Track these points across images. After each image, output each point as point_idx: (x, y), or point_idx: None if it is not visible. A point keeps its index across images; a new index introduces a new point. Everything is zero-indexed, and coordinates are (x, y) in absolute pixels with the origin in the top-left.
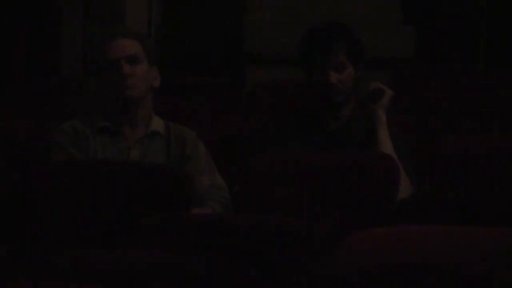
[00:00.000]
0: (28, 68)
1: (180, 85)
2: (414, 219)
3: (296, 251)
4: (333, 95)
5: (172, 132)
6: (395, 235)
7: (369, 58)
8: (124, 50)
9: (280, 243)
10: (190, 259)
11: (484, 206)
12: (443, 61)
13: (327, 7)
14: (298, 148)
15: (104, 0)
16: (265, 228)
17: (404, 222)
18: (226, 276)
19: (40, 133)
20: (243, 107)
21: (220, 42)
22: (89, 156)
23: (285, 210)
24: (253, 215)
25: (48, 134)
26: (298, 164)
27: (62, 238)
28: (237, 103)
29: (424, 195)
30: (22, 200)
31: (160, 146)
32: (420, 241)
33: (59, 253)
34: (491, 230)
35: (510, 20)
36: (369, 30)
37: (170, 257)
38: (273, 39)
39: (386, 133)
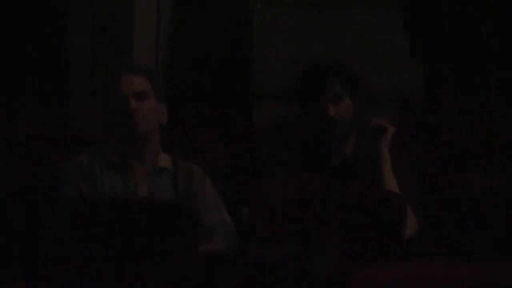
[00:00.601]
0: (35, 99)
1: (187, 117)
2: (418, 254)
3: (301, 284)
4: (333, 127)
5: (179, 168)
6: (398, 271)
7: (376, 92)
8: (132, 86)
9: (285, 280)
10: None
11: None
12: (453, 95)
13: (335, 42)
14: (305, 181)
15: (112, 33)
16: (271, 266)
17: (408, 258)
18: None
19: (49, 165)
20: (251, 140)
21: (227, 75)
22: (97, 191)
23: (292, 241)
24: (257, 254)
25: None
26: (304, 196)
27: (68, 273)
28: (244, 135)
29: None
30: (30, 235)
31: (168, 182)
32: (423, 277)
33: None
34: (491, 267)
35: None
36: (376, 65)
37: None
38: (280, 73)
39: (389, 169)
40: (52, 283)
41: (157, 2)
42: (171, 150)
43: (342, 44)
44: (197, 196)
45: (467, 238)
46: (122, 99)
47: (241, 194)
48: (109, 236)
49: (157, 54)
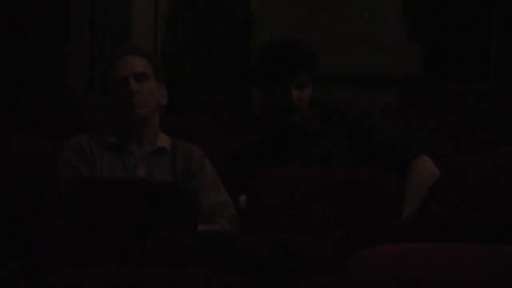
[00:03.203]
0: (36, 88)
1: (186, 102)
2: (420, 236)
3: (303, 268)
4: (293, 112)
5: (178, 149)
6: (399, 252)
7: (377, 76)
8: (133, 67)
9: (287, 260)
10: (197, 274)
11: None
12: (452, 79)
13: (333, 27)
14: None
15: (110, 20)
16: (274, 246)
17: (409, 239)
18: None
19: (50, 150)
20: (249, 125)
21: (226, 60)
22: (96, 173)
23: (291, 228)
24: (261, 234)
25: (57, 151)
26: (302, 181)
27: (69, 255)
28: (243, 120)
29: (430, 214)
30: (31, 217)
31: (166, 163)
32: (423, 258)
33: (66, 270)
34: (491, 247)
35: None
36: (375, 48)
37: (176, 273)
38: None
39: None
40: (51, 263)
41: None
42: (168, 134)
43: (341, 27)
44: (196, 177)
45: (469, 219)
46: (122, 80)
47: (238, 182)
48: (108, 217)
49: (155, 38)
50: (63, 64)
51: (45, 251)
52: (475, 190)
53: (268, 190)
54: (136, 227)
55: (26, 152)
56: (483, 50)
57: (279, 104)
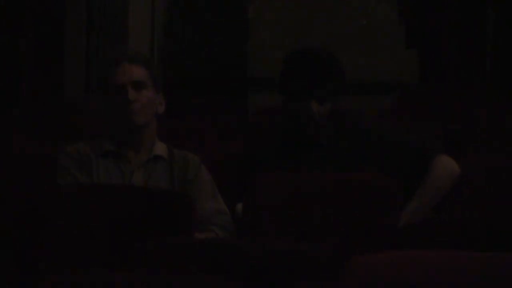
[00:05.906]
0: (32, 91)
1: (182, 107)
2: (416, 243)
3: (298, 274)
4: (310, 126)
5: (175, 157)
6: (394, 260)
7: (374, 82)
8: (131, 75)
9: (283, 266)
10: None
11: (484, 229)
12: (448, 83)
13: (329, 31)
14: (298, 170)
15: (107, 22)
16: (269, 252)
17: (405, 246)
18: None
19: (50, 151)
20: (246, 129)
21: (223, 65)
22: (93, 179)
23: (290, 231)
24: (256, 240)
25: (56, 152)
26: (299, 186)
27: (66, 260)
28: (240, 125)
29: (425, 220)
30: (31, 217)
31: (163, 170)
32: (419, 266)
33: (66, 270)
34: (488, 255)
35: None
36: (372, 55)
37: (172, 279)
38: (275, 63)
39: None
40: (51, 263)
41: None
42: (165, 138)
43: (338, 33)
44: (192, 185)
45: (469, 224)
46: (120, 89)
47: (234, 188)
48: (106, 223)
49: (152, 40)
50: (60, 66)
51: (45, 251)
52: (475, 190)
53: (267, 194)
54: (134, 234)
55: (26, 153)
56: (480, 54)
57: (297, 114)
